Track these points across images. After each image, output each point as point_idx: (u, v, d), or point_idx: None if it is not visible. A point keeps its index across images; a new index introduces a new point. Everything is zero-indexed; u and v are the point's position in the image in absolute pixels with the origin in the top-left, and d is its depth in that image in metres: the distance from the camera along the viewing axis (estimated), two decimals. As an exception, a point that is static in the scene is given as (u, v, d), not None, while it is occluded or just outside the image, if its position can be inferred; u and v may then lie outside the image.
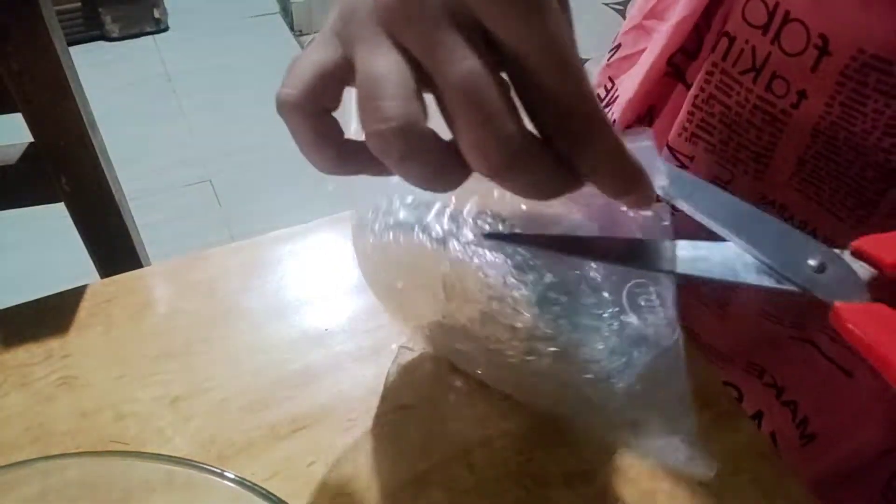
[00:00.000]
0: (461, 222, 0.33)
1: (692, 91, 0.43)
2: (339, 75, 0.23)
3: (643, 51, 0.47)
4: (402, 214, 0.33)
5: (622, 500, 0.36)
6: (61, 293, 0.45)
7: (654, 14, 0.48)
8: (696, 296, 0.47)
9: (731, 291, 0.46)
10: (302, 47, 2.21)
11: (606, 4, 2.45)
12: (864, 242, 0.25)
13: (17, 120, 0.59)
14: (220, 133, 1.88)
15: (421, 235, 0.32)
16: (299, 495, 0.36)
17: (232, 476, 0.28)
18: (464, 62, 0.20)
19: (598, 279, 0.32)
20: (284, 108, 0.23)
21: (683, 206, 0.28)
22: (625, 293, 0.31)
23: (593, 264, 0.33)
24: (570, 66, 0.21)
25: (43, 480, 0.28)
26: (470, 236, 0.32)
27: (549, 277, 0.32)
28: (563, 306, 0.32)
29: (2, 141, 0.64)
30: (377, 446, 0.38)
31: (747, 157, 0.41)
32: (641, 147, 0.28)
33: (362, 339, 0.43)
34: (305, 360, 0.42)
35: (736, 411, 0.40)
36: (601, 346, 0.31)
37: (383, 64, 0.21)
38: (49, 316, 0.43)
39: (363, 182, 0.30)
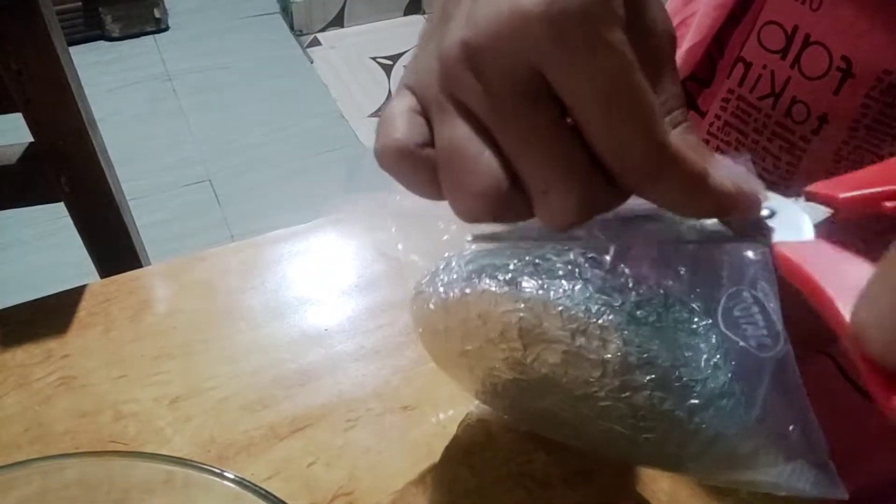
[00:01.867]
0: (526, 263, 0.30)
1: (707, 119, 0.42)
2: (425, 117, 0.23)
3: None
4: (462, 269, 0.31)
5: (622, 500, 0.36)
6: (61, 293, 0.45)
7: None
8: None
9: None
10: (302, 47, 2.21)
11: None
12: (818, 185, 0.24)
13: (17, 120, 0.59)
14: (220, 133, 1.88)
15: (487, 281, 0.29)
16: (299, 495, 0.36)
17: (231, 476, 0.28)
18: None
19: (686, 291, 0.29)
20: (388, 156, 0.22)
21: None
22: (720, 308, 0.28)
23: (672, 280, 0.29)
24: (621, 116, 0.19)
25: (42, 480, 0.28)
26: (534, 283, 0.29)
27: (633, 296, 0.29)
28: (653, 326, 0.29)
29: (2, 141, 0.64)
30: (377, 446, 0.38)
31: (765, 185, 0.40)
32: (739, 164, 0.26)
33: (362, 339, 0.43)
34: (305, 359, 0.42)
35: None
36: (702, 363, 0.28)
37: (458, 135, 0.21)
38: (48, 316, 0.43)
39: (413, 249, 0.30)
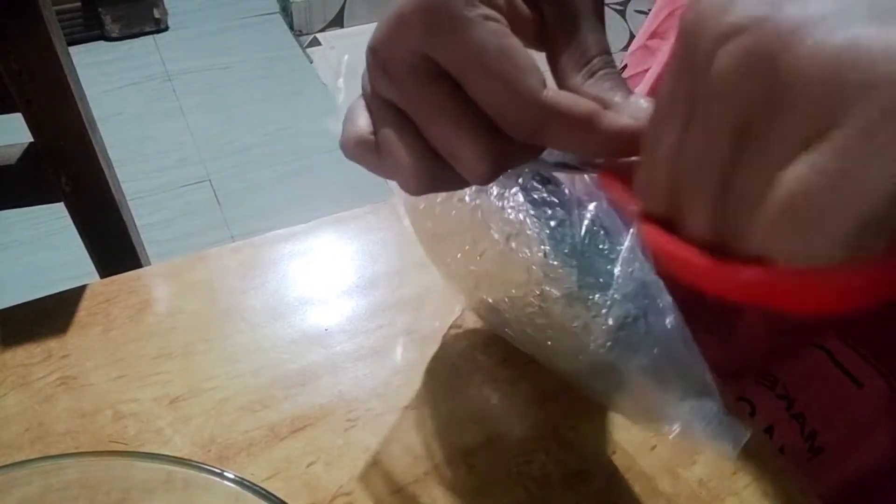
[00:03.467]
0: None
1: None
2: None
3: (647, 70, 0.48)
4: None
5: (622, 500, 0.36)
6: (61, 293, 0.45)
7: (657, 34, 0.48)
8: (701, 325, 0.47)
9: (737, 318, 0.45)
10: (302, 47, 2.21)
11: (606, 4, 2.45)
12: None
13: (17, 120, 0.59)
14: (220, 133, 1.88)
15: None
16: (299, 495, 0.36)
17: (232, 476, 0.28)
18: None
19: (613, 226, 0.32)
20: (348, 147, 0.26)
21: None
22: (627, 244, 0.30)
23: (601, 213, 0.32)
24: (490, 80, 0.22)
25: (43, 480, 0.28)
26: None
27: (560, 214, 0.31)
28: (574, 246, 0.31)
29: (2, 141, 0.64)
30: (377, 446, 0.38)
31: None
32: None
33: (362, 339, 0.43)
34: (305, 360, 0.42)
35: (735, 410, 0.40)
36: (611, 291, 0.30)
37: (383, 125, 0.25)
38: (49, 316, 0.43)
39: None
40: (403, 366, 0.42)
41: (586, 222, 0.31)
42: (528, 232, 0.31)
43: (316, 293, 0.46)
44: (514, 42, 0.22)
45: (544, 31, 0.25)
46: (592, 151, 0.24)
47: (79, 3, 2.07)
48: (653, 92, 0.46)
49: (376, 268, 0.48)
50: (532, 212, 0.31)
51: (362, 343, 0.43)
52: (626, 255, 0.30)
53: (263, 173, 1.76)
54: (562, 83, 0.25)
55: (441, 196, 0.34)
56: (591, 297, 0.30)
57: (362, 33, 2.31)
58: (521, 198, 0.32)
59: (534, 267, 0.32)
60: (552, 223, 0.31)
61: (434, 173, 0.24)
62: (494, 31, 0.22)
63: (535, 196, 0.32)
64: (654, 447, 0.38)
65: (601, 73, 0.24)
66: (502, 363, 0.42)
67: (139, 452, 0.34)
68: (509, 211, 0.32)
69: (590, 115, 0.23)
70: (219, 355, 0.42)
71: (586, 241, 0.31)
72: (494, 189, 0.32)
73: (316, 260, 0.48)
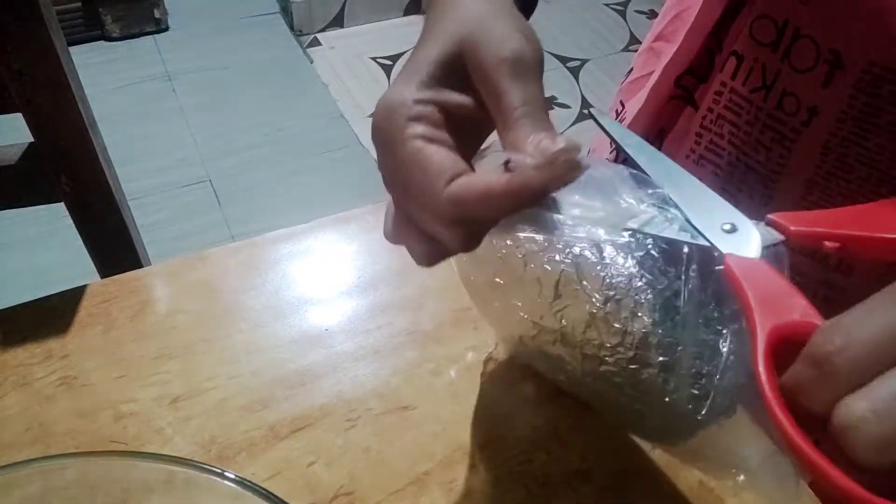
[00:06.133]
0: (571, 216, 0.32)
1: (700, 112, 0.42)
2: None
3: (652, 73, 0.48)
4: None
5: (622, 500, 0.36)
6: (61, 293, 0.45)
7: (662, 37, 0.48)
8: None
9: None
10: (302, 47, 2.21)
11: (607, 4, 2.45)
12: (779, 214, 0.28)
13: (17, 120, 0.59)
14: (220, 133, 1.88)
15: (528, 229, 0.32)
16: (299, 495, 0.36)
17: (232, 476, 0.28)
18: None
19: (721, 292, 0.30)
20: (390, 237, 0.30)
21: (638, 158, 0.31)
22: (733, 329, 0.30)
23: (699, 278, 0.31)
24: (408, 194, 0.26)
25: (43, 480, 0.28)
26: (598, 233, 0.31)
27: (677, 284, 0.31)
28: (684, 317, 0.30)
29: (2, 141, 0.64)
30: (377, 446, 0.38)
31: (754, 179, 0.40)
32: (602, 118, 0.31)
33: (362, 339, 0.43)
34: (305, 360, 0.42)
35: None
36: (717, 361, 0.30)
37: (396, 222, 0.29)
38: (49, 316, 0.43)
39: None
40: (403, 366, 0.42)
41: (699, 291, 0.31)
42: (637, 297, 0.31)
43: (316, 293, 0.46)
44: (425, 154, 0.25)
45: (485, 109, 0.27)
46: (510, 211, 0.25)
47: (79, 3, 2.07)
48: (656, 100, 0.46)
49: (376, 268, 0.48)
50: (645, 278, 0.31)
51: (362, 343, 0.43)
52: (734, 325, 0.29)
53: (263, 173, 1.76)
54: (504, 145, 0.27)
55: (503, 248, 0.34)
56: (694, 366, 0.30)
57: (362, 33, 2.31)
58: (630, 263, 0.31)
59: (633, 329, 0.31)
60: (666, 294, 0.31)
61: (436, 253, 0.28)
62: (413, 149, 0.25)
63: (650, 263, 0.31)
64: (653, 447, 0.38)
65: (519, 123, 0.25)
66: (503, 364, 0.42)
67: (139, 452, 0.34)
68: (615, 274, 0.31)
69: (486, 191, 0.24)
70: (219, 355, 0.42)
71: (696, 311, 0.30)
72: (596, 252, 0.32)
73: (316, 260, 0.48)
